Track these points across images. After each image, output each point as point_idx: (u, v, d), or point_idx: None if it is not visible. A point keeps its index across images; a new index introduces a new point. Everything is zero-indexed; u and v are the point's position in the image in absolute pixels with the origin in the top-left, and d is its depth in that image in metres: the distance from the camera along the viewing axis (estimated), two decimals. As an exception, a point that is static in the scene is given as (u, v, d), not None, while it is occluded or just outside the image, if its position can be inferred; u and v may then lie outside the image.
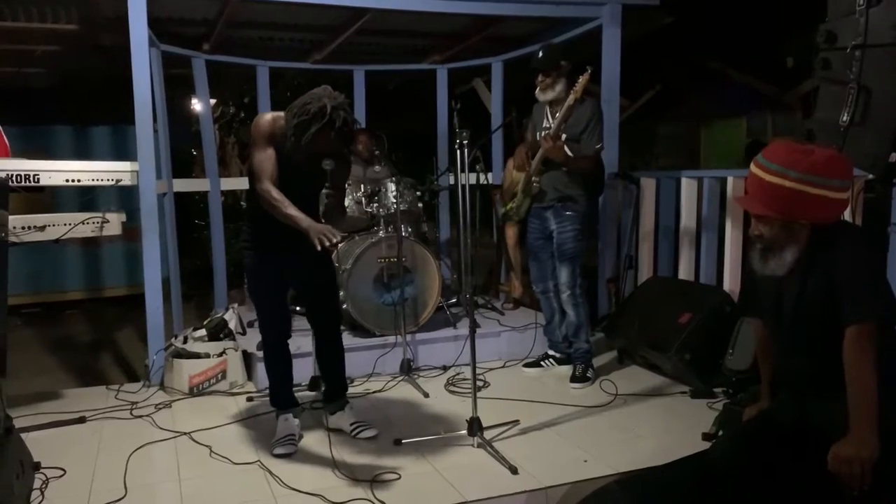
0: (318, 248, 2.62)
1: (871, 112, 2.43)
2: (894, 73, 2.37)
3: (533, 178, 3.94)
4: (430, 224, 5.01)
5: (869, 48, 2.40)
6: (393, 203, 4.32)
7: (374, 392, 3.88)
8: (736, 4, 6.13)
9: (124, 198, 5.14)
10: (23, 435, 2.99)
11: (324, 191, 2.93)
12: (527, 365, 4.31)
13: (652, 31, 5.80)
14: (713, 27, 6.98)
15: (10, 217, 3.08)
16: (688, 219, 4.58)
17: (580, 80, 3.63)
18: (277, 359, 3.21)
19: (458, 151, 3.10)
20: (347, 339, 3.94)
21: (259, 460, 2.98)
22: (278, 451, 3.05)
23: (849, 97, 2.45)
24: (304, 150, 2.75)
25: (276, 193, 2.79)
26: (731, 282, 4.19)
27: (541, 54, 3.83)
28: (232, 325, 4.21)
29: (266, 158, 2.83)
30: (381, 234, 4.39)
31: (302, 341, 3.76)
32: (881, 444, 1.93)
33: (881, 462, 1.93)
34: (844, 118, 2.47)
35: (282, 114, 2.85)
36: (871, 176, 2.87)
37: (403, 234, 4.29)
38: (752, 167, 2.13)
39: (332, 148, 2.81)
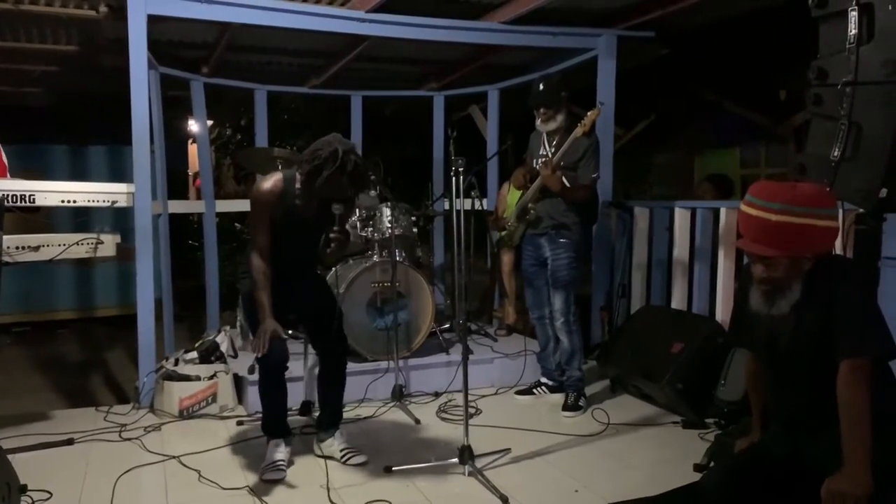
0: (252, 349, 2.86)
1: (862, 148, 2.46)
2: (885, 110, 2.40)
3: (530, 205, 3.97)
4: (424, 249, 5.01)
5: (860, 85, 2.44)
6: (388, 228, 4.33)
7: (365, 418, 3.86)
8: (730, 37, 6.21)
9: (119, 217, 5.13)
10: (9, 456, 2.95)
11: (332, 235, 3.03)
12: (519, 392, 4.30)
13: (647, 62, 5.87)
14: (707, 59, 7.07)
15: (5, 237, 3.08)
16: (681, 248, 4.61)
17: (589, 115, 3.69)
18: (273, 387, 3.14)
19: (454, 178, 3.13)
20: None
21: (248, 486, 2.96)
22: (267, 476, 3.02)
23: (840, 133, 2.49)
24: (315, 194, 2.84)
25: (255, 271, 2.92)
26: (723, 312, 4.20)
27: (542, 87, 3.87)
28: (223, 347, 4.20)
29: (258, 231, 2.95)
30: (375, 258, 4.39)
31: (293, 365, 3.72)
32: (874, 480, 1.93)
33: (874, 498, 1.92)
34: (835, 153, 2.50)
35: (281, 175, 2.97)
36: (862, 210, 2.89)
37: (398, 258, 4.30)
38: (752, 210, 2.07)
39: (343, 192, 2.90)
